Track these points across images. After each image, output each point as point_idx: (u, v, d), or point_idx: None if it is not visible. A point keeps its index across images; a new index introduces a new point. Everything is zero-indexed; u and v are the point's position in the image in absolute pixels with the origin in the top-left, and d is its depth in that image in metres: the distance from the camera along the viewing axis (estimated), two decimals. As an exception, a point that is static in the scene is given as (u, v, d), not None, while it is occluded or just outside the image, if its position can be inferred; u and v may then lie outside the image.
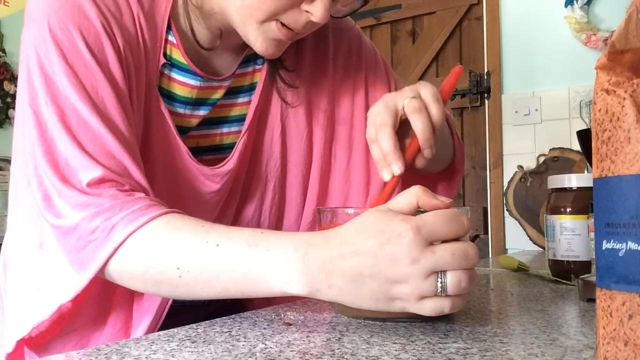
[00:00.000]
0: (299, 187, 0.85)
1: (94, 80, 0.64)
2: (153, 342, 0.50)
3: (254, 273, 0.55)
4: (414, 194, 0.52)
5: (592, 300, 0.69)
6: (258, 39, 0.69)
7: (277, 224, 0.85)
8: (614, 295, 0.33)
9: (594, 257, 0.83)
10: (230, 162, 0.77)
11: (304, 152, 0.84)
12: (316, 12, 0.66)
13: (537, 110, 2.07)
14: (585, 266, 0.88)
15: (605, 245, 0.34)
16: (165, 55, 0.72)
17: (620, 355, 0.33)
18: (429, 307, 0.50)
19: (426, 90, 0.68)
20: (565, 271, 0.89)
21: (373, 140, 0.68)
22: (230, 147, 0.79)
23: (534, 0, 2.11)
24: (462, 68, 0.73)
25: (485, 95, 2.22)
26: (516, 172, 2.08)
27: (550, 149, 2.02)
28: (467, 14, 2.37)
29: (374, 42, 1.01)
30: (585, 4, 1.98)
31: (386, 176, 0.67)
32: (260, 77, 0.80)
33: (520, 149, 2.11)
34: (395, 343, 0.49)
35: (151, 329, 0.70)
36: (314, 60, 0.85)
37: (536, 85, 2.09)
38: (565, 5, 2.01)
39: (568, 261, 0.89)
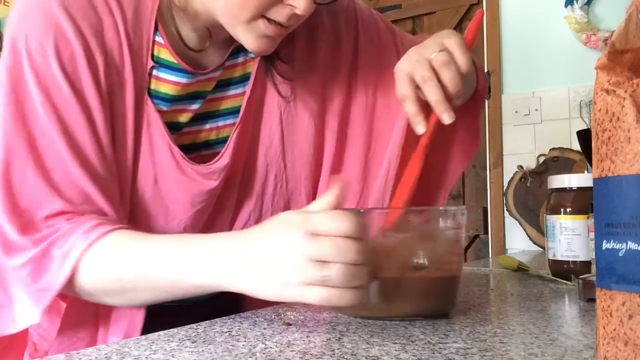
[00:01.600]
0: (309, 176, 0.84)
1: (65, 104, 0.65)
2: (153, 342, 0.50)
3: (180, 274, 0.61)
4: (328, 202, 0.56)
5: (592, 300, 0.69)
6: (249, 38, 0.69)
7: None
8: (614, 295, 0.33)
9: (594, 257, 0.83)
10: (226, 156, 0.76)
11: (309, 140, 0.83)
12: (299, 4, 0.66)
13: (537, 110, 2.07)
14: (585, 266, 0.88)
15: (605, 245, 0.34)
16: (152, 56, 0.71)
17: (620, 355, 0.33)
18: (314, 294, 0.53)
19: (451, 41, 0.69)
20: (565, 271, 0.89)
21: (407, 96, 0.69)
22: (225, 141, 0.78)
23: (534, 0, 2.11)
24: (483, 12, 0.74)
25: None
26: (516, 172, 2.08)
27: (550, 149, 2.02)
28: (467, 14, 2.37)
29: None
30: (585, 4, 1.98)
31: (420, 129, 0.69)
32: (253, 67, 0.79)
33: (520, 149, 2.11)
34: (395, 343, 0.49)
35: (129, 334, 0.70)
36: (310, 50, 0.84)
37: (536, 85, 2.09)
38: (565, 5, 2.01)
39: (568, 261, 0.89)
